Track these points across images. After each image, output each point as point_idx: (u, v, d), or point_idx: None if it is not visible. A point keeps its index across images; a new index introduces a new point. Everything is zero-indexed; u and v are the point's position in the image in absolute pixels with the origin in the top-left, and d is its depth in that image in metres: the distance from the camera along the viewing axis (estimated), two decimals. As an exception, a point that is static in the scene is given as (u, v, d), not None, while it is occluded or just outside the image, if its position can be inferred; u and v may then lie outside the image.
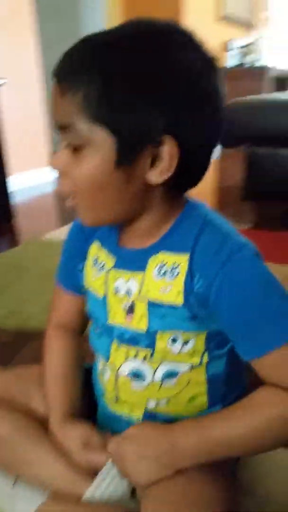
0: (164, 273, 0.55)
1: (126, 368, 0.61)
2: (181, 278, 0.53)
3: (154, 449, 0.54)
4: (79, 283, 0.69)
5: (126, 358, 0.61)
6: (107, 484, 0.58)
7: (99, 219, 0.55)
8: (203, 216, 0.56)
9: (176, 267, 0.54)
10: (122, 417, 0.64)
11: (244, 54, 4.15)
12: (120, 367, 0.61)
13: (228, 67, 4.05)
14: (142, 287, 0.57)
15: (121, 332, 0.60)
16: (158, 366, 0.59)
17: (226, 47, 4.04)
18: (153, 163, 0.49)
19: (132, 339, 0.59)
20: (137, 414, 0.62)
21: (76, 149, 0.49)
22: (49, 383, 0.70)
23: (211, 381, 0.61)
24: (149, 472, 0.54)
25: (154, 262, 0.56)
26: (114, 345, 0.62)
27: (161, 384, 0.60)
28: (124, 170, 0.49)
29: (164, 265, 0.55)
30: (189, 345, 0.57)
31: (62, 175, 0.52)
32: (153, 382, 0.60)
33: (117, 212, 0.54)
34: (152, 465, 0.54)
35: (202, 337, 0.57)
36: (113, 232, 0.62)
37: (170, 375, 0.59)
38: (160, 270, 0.55)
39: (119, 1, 3.50)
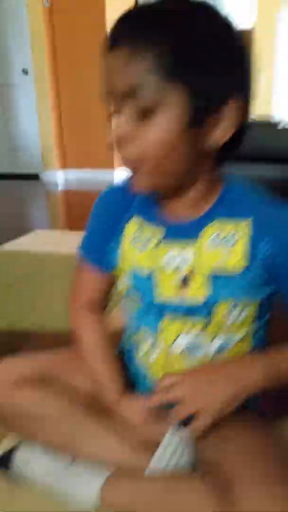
0: (221, 241, 0.57)
1: (181, 343, 0.61)
2: (242, 244, 0.55)
3: (227, 371, 0.57)
4: (106, 260, 0.67)
5: (180, 333, 0.60)
6: (170, 453, 0.57)
7: (159, 184, 0.55)
8: (246, 186, 0.59)
9: (234, 234, 0.56)
10: None
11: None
12: (173, 343, 0.61)
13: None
14: (197, 257, 0.57)
15: (174, 307, 0.60)
16: (213, 339, 0.60)
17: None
18: (216, 125, 0.50)
19: (187, 312, 0.59)
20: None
21: (143, 114, 0.48)
22: (91, 361, 0.68)
23: (255, 348, 0.63)
24: (225, 398, 0.55)
25: (209, 231, 0.57)
26: (164, 321, 0.61)
27: (215, 355, 0.60)
28: (193, 132, 0.50)
29: (221, 233, 0.57)
30: (243, 314, 0.59)
31: (125, 143, 0.51)
32: (206, 356, 0.61)
33: (177, 177, 0.55)
34: (227, 392, 0.55)
35: (254, 305, 0.59)
36: (153, 206, 0.62)
37: (223, 347, 0.60)
38: (217, 239, 0.57)
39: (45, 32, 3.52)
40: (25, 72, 3.74)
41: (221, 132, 0.51)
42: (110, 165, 3.80)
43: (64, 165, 3.99)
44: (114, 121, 0.51)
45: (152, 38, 0.47)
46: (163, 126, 0.49)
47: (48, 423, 0.64)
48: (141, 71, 0.47)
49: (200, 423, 0.55)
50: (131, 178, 0.57)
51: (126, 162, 0.54)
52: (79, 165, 3.95)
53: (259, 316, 0.61)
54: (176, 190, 0.57)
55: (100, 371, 0.67)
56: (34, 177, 3.97)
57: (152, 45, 0.46)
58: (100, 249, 0.68)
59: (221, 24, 0.50)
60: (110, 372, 0.67)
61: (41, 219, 2.52)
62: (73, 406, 0.65)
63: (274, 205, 0.57)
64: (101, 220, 0.69)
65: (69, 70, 3.68)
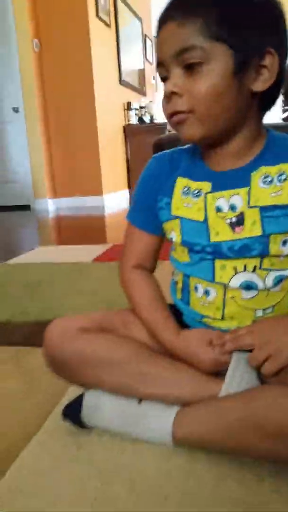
0: (271, 181, 0.63)
1: (237, 282, 0.66)
2: None
3: None
4: (156, 222, 0.74)
5: (236, 273, 0.66)
6: (240, 375, 0.61)
7: (209, 131, 0.61)
8: (287, 136, 0.67)
9: (282, 174, 0.63)
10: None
11: (142, 114, 4.64)
12: (229, 282, 0.66)
13: (130, 124, 4.46)
14: (250, 197, 0.64)
15: (229, 246, 0.65)
16: (267, 274, 0.65)
17: (128, 107, 4.47)
18: (258, 75, 0.59)
19: (242, 249, 0.64)
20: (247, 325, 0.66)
21: (193, 69, 0.57)
22: (146, 313, 0.72)
23: (305, 286, 0.68)
24: None
25: (257, 175, 0.64)
26: (219, 263, 0.66)
27: (269, 290, 0.66)
28: (239, 79, 0.58)
29: (269, 175, 0.64)
30: None
31: (178, 97, 0.59)
32: (263, 290, 0.65)
33: (225, 123, 0.61)
34: None
35: None
36: (199, 163, 0.69)
37: (278, 281, 0.65)
38: (266, 180, 0.63)
39: (35, 74, 3.72)
40: (15, 110, 3.90)
41: (261, 82, 0.59)
42: (98, 192, 3.93)
43: (54, 194, 4.09)
44: (166, 84, 0.60)
45: (199, 9, 0.56)
46: (212, 77, 0.57)
47: (115, 365, 0.66)
48: (192, 33, 0.56)
49: (272, 366, 0.59)
50: (177, 130, 0.63)
51: (177, 116, 0.60)
52: (68, 193, 4.05)
53: None
54: (224, 137, 0.64)
55: (155, 319, 0.71)
56: (26, 207, 4.05)
57: (200, 13, 0.56)
58: (149, 212, 0.74)
59: None
60: (165, 318, 0.71)
61: (33, 243, 2.58)
62: (138, 348, 0.68)
63: None
64: (147, 184, 0.75)
65: (57, 107, 3.87)
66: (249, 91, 0.60)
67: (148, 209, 0.75)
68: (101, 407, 0.66)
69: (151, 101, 4.77)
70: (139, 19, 4.96)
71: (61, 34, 3.68)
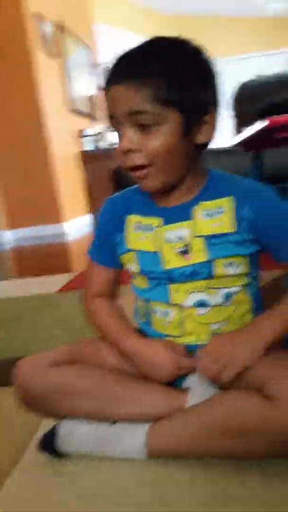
0: (211, 214, 0.72)
1: (191, 301, 0.73)
2: (229, 212, 0.71)
3: (243, 336, 0.69)
4: (114, 257, 0.81)
5: (189, 294, 0.73)
6: (204, 387, 0.68)
7: (166, 181, 0.70)
8: (225, 174, 0.76)
9: (220, 207, 0.72)
10: (190, 346, 0.74)
11: (97, 140, 4.75)
12: (184, 302, 0.73)
13: (85, 151, 4.55)
14: (194, 228, 0.72)
15: (181, 272, 0.73)
16: (217, 292, 0.73)
17: (81, 134, 4.57)
18: (201, 129, 0.68)
19: (192, 274, 0.72)
20: (204, 339, 0.74)
21: (146, 128, 0.64)
22: (110, 328, 0.79)
23: (252, 300, 0.77)
24: (247, 352, 0.66)
25: (199, 210, 0.73)
26: (173, 287, 0.74)
27: (221, 306, 0.73)
28: (187, 137, 0.67)
29: (209, 209, 0.72)
30: (239, 268, 0.73)
31: (133, 153, 0.66)
32: (215, 306, 0.73)
33: (178, 173, 0.70)
34: (247, 347, 0.67)
35: (246, 260, 0.74)
36: (148, 201, 0.77)
37: (227, 296, 0.74)
38: (207, 213, 0.72)
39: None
40: None
41: (204, 135, 0.68)
42: (58, 220, 3.97)
43: (12, 225, 4.09)
44: (122, 139, 0.67)
45: (148, 76, 0.63)
46: (164, 137, 0.65)
47: (88, 393, 0.71)
48: (144, 99, 0.63)
49: (227, 374, 0.66)
50: (140, 183, 0.71)
51: (140, 172, 0.68)
52: (26, 224, 4.06)
53: (250, 271, 0.75)
54: (175, 183, 0.72)
55: (119, 331, 0.78)
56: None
57: (149, 81, 0.63)
58: (107, 248, 0.82)
59: (197, 55, 0.68)
60: (128, 328, 0.79)
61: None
62: (108, 373, 0.74)
63: (249, 182, 0.74)
64: (104, 224, 0.83)
65: (7, 140, 3.90)
66: (195, 143, 0.69)
67: (106, 246, 0.82)
68: (75, 434, 0.71)
69: (104, 128, 4.89)
70: (86, 47, 5.12)
71: (2, 67, 3.74)
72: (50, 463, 0.72)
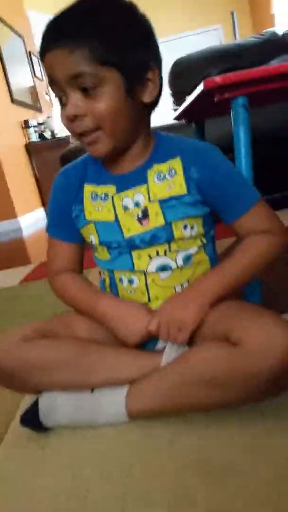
0: (164, 177, 0.74)
1: (153, 266, 0.76)
2: (180, 174, 0.73)
3: (189, 296, 0.72)
4: (73, 231, 0.82)
5: (150, 259, 0.75)
6: (175, 346, 0.71)
7: (117, 144, 0.70)
8: (170, 135, 0.78)
9: (172, 169, 0.74)
10: None
11: (42, 131, 4.64)
12: (147, 268, 0.75)
13: (32, 141, 4.44)
14: (149, 193, 0.74)
15: (141, 238, 0.75)
16: (177, 254, 0.76)
17: (26, 125, 4.44)
18: (145, 88, 0.68)
19: (152, 239, 0.74)
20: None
21: (89, 91, 0.64)
22: (81, 295, 0.80)
23: (210, 261, 0.80)
24: (194, 312, 0.70)
25: (151, 173, 0.74)
26: (135, 254, 0.76)
27: (182, 268, 0.76)
28: (131, 95, 0.67)
29: (161, 172, 0.74)
30: (194, 229, 0.76)
31: (80, 118, 0.66)
32: (176, 269, 0.76)
33: (128, 135, 0.71)
34: (193, 307, 0.70)
35: (200, 221, 0.77)
36: (101, 169, 0.78)
37: (187, 258, 0.76)
38: (159, 177, 0.74)
39: None
40: None
41: (148, 93, 0.69)
42: (12, 215, 3.87)
43: None
44: (66, 105, 0.66)
45: (84, 37, 0.62)
46: (108, 97, 0.65)
47: (63, 364, 0.71)
48: (81, 60, 0.62)
49: (182, 336, 0.69)
50: (90, 149, 0.70)
51: (84, 136, 0.68)
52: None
53: (205, 232, 0.78)
54: (124, 147, 0.73)
55: (91, 296, 0.79)
56: None
57: (85, 41, 0.62)
58: (65, 223, 0.82)
59: (130, 12, 0.67)
60: (99, 291, 0.81)
61: None
62: (82, 343, 0.75)
63: (194, 142, 0.76)
64: (59, 198, 0.82)
65: None
66: (141, 103, 0.69)
67: (64, 221, 0.82)
68: (56, 405, 0.72)
69: (49, 117, 4.78)
70: (20, 35, 4.95)
71: None
72: (34, 438, 0.73)
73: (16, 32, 4.81)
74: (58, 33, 0.64)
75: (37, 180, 4.54)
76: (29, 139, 4.49)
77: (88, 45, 0.62)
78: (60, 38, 0.63)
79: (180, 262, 0.76)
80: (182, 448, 0.63)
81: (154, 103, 0.73)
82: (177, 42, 6.49)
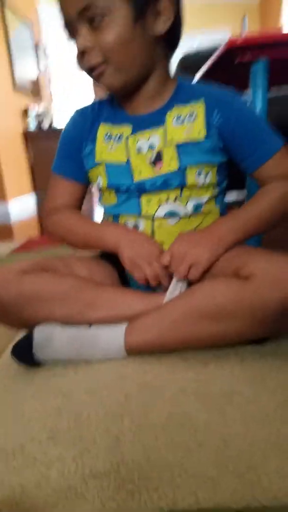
0: (183, 120, 0.73)
1: (162, 211, 0.75)
2: (201, 118, 0.73)
3: (205, 237, 0.71)
4: (80, 170, 0.81)
5: (159, 205, 0.75)
6: (178, 286, 0.70)
7: (126, 76, 0.69)
8: (192, 82, 0.78)
9: (192, 113, 0.73)
10: None
11: (41, 120, 4.63)
12: (155, 212, 0.75)
13: (29, 130, 4.42)
14: (165, 136, 0.73)
15: (152, 183, 0.74)
16: (187, 203, 0.75)
17: (26, 113, 4.43)
18: (156, 19, 0.67)
19: (164, 184, 0.73)
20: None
21: (97, 23, 0.63)
22: (85, 226, 0.79)
23: (219, 211, 0.80)
24: (209, 252, 0.69)
25: (171, 115, 0.74)
26: (144, 199, 0.75)
27: (191, 216, 0.76)
28: (140, 25, 0.65)
29: (181, 115, 0.74)
30: (208, 177, 0.75)
31: (90, 51, 0.65)
32: (185, 216, 0.75)
33: (138, 68, 0.69)
34: (209, 247, 0.70)
35: (215, 170, 0.76)
36: (118, 109, 0.77)
37: (197, 207, 0.76)
38: (178, 119, 0.74)
39: None
40: None
41: (161, 23, 0.67)
42: (2, 197, 3.81)
43: None
44: (77, 40, 0.66)
45: None
46: (115, 27, 0.64)
47: (64, 296, 0.69)
48: None
49: (194, 273, 0.69)
50: (99, 82, 0.69)
51: (94, 68, 0.67)
52: None
53: (218, 182, 0.77)
54: (138, 82, 0.72)
55: (97, 228, 0.78)
56: None
57: None
58: (73, 160, 0.80)
59: None
60: (105, 223, 0.79)
61: None
62: (83, 280, 0.73)
63: (218, 88, 0.76)
64: (71, 135, 0.81)
65: None
66: (152, 35, 0.67)
67: (72, 158, 0.81)
68: (53, 337, 0.69)
69: (48, 108, 4.78)
70: (30, 26, 4.95)
71: None
72: (24, 371, 0.70)
73: (24, 22, 4.81)
74: None
75: (31, 168, 4.52)
76: (27, 127, 4.47)
77: None
78: None
79: (189, 209, 0.75)
80: (181, 379, 0.62)
81: (171, 39, 0.71)
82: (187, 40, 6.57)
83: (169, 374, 0.64)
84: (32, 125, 4.50)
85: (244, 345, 0.69)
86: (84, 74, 0.71)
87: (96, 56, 0.66)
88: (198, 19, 6.54)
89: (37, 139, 4.40)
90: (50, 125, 4.69)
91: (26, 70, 4.73)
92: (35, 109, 4.67)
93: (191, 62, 2.24)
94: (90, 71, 0.68)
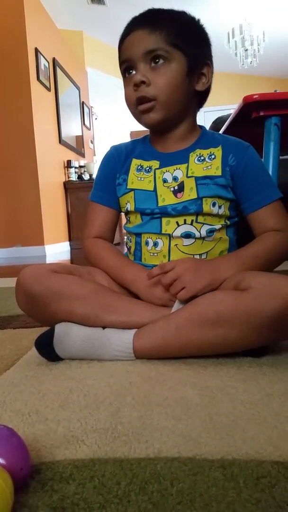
0: (203, 160, 0.87)
1: (179, 232, 0.86)
2: (218, 158, 0.86)
3: (206, 266, 0.79)
4: (114, 199, 0.94)
5: (178, 225, 0.86)
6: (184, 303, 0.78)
7: (167, 115, 0.84)
8: (214, 131, 0.92)
9: (212, 154, 0.87)
10: None
11: (82, 172, 4.98)
12: (173, 232, 0.86)
13: (70, 180, 4.75)
14: (187, 171, 0.86)
15: (173, 208, 0.86)
16: (201, 228, 0.86)
17: (68, 165, 4.78)
18: (199, 79, 0.85)
19: (183, 209, 0.85)
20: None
21: (157, 65, 0.80)
22: (111, 260, 0.90)
23: (229, 241, 0.90)
24: (204, 280, 0.76)
25: (193, 155, 0.88)
26: (165, 220, 0.87)
27: (204, 239, 0.86)
28: (188, 79, 0.83)
29: (202, 155, 0.87)
30: (221, 209, 0.87)
31: (144, 86, 0.81)
32: (199, 239, 0.86)
33: (177, 111, 0.85)
34: (205, 275, 0.77)
35: (227, 204, 0.88)
36: (149, 147, 0.92)
37: (210, 232, 0.86)
38: (200, 159, 0.87)
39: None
40: None
41: (202, 84, 0.85)
42: (40, 242, 4.04)
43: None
44: (135, 74, 0.82)
45: (160, 23, 0.81)
46: (171, 73, 0.81)
47: (84, 297, 0.79)
48: (159, 40, 0.80)
49: (183, 294, 0.75)
50: (144, 116, 0.84)
51: (145, 105, 0.82)
52: (9, 244, 4.11)
53: (230, 215, 0.89)
54: (173, 124, 0.87)
55: (122, 262, 0.89)
56: None
57: (163, 26, 0.80)
58: (109, 190, 0.95)
59: (198, 21, 0.86)
60: (129, 261, 0.90)
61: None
62: (102, 286, 0.83)
63: (234, 138, 0.90)
64: (107, 167, 0.96)
65: (1, 164, 4.04)
66: (193, 90, 0.84)
67: (107, 187, 0.95)
68: (70, 333, 0.78)
69: (89, 162, 5.15)
70: (77, 87, 5.49)
71: (3, 96, 3.97)
72: (44, 363, 0.79)
73: (74, 84, 5.35)
74: (142, 18, 0.83)
75: (68, 216, 4.78)
76: (68, 178, 4.80)
77: (166, 29, 0.80)
78: (143, 22, 0.82)
79: (203, 233, 0.86)
80: (181, 376, 0.69)
81: (203, 97, 0.89)
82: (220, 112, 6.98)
83: (171, 372, 0.71)
84: (73, 176, 4.83)
85: (243, 356, 0.76)
86: (127, 118, 0.86)
87: (149, 91, 0.81)
88: (233, 92, 6.97)
89: (77, 190, 4.69)
90: (90, 177, 5.02)
91: (71, 127, 5.18)
92: (77, 162, 5.04)
93: (222, 124, 2.48)
94: (139, 102, 0.83)
